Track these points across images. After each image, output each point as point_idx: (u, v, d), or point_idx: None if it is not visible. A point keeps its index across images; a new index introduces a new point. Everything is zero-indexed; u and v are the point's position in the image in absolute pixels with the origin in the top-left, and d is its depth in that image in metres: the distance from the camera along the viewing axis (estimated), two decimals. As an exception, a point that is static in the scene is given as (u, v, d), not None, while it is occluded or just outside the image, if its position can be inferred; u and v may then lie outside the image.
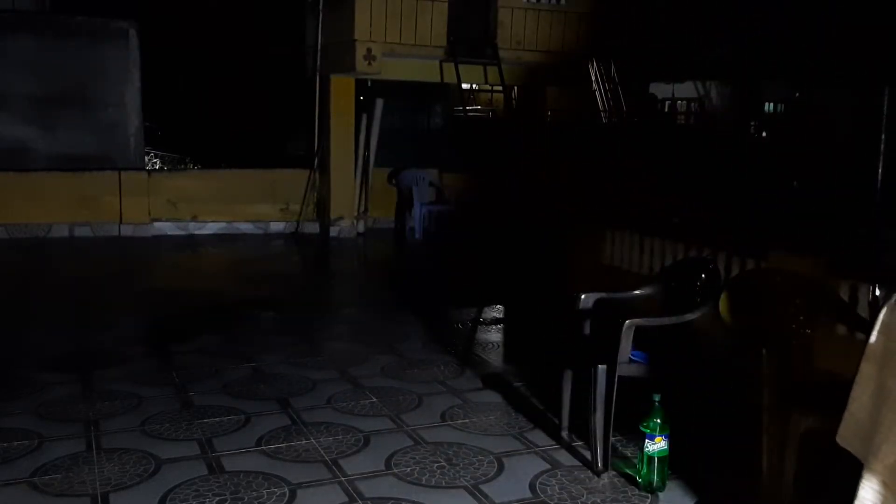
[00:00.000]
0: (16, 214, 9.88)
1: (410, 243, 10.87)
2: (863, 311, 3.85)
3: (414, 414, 4.26)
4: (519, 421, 4.19)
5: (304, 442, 3.85)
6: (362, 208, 11.37)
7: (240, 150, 13.28)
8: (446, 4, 10.78)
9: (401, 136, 11.84)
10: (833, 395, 2.50)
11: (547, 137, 12.01)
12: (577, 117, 12.28)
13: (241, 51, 13.49)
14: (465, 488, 3.39)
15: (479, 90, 13.89)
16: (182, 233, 10.68)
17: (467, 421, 4.18)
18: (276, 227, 11.19)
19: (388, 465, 3.60)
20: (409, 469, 3.56)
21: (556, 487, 3.42)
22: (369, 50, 10.20)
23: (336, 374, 4.93)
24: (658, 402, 3.32)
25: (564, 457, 3.74)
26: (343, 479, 3.46)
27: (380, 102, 11.14)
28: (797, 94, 13.48)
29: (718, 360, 4.02)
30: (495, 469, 3.59)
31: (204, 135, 15.09)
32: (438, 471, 3.55)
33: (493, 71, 11.04)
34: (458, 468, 3.58)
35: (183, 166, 14.96)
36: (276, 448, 3.77)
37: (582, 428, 3.78)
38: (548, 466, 3.63)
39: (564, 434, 3.94)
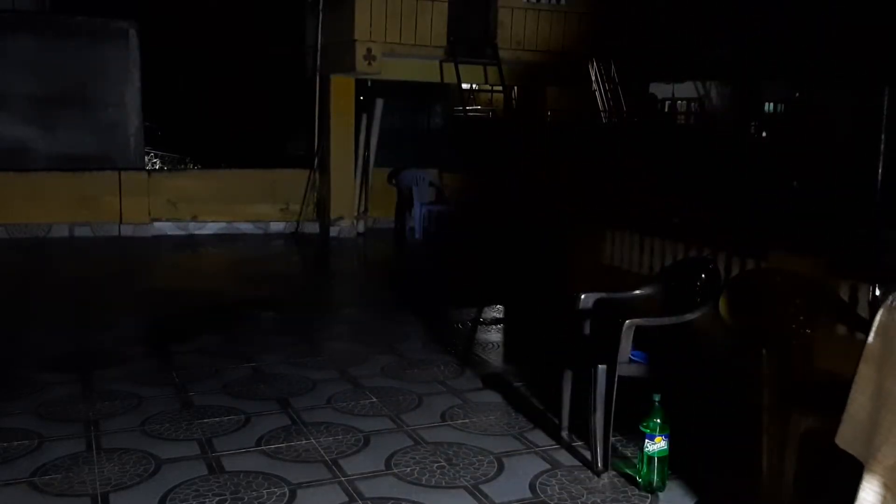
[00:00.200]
0: (16, 214, 9.88)
1: (410, 243, 10.87)
2: (863, 311, 3.85)
3: (414, 414, 4.26)
4: (519, 421, 4.19)
5: (304, 442, 3.85)
6: (362, 208, 11.37)
7: (240, 150, 13.28)
8: (446, 4, 10.78)
9: (401, 136, 11.84)
10: (833, 395, 2.50)
11: (547, 137, 12.01)
12: (577, 117, 12.28)
13: (241, 51, 13.49)
14: (465, 488, 3.39)
15: (479, 90, 13.89)
16: (182, 233, 10.68)
17: (467, 421, 4.18)
18: (276, 227, 11.19)
19: (388, 465, 3.60)
20: (409, 469, 3.56)
21: (556, 487, 3.42)
22: (369, 50, 10.20)
23: (336, 374, 4.93)
24: (658, 402, 3.32)
25: (564, 457, 3.74)
26: (343, 479, 3.46)
27: (380, 102, 11.14)
28: (797, 94, 13.48)
29: (718, 360, 4.02)
30: (495, 469, 3.59)
31: (204, 135, 15.09)
32: (438, 471, 3.55)
33: (493, 71, 11.05)
34: (458, 468, 3.58)
35: (183, 166, 14.97)
36: (276, 448, 3.77)
37: (582, 428, 3.78)
38: (548, 466, 3.63)
39: (564, 434, 3.94)
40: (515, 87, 12.74)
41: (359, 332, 6.13)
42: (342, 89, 10.99)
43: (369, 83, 11.41)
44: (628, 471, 3.54)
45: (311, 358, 5.27)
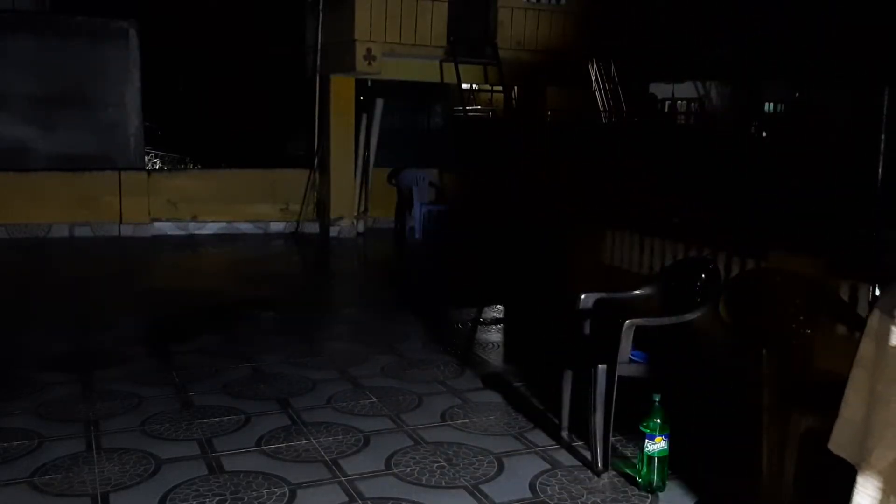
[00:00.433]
0: (16, 214, 9.88)
1: (410, 243, 10.88)
2: (863, 311, 3.85)
3: (414, 414, 4.26)
4: (519, 421, 4.19)
5: (304, 442, 3.85)
6: (362, 208, 11.37)
7: (240, 150, 13.28)
8: (446, 4, 10.78)
9: (401, 136, 11.85)
10: (833, 395, 2.50)
11: (547, 137, 12.01)
12: (577, 117, 12.28)
13: (241, 51, 13.49)
14: (465, 488, 3.39)
15: (479, 90, 13.88)
16: (182, 233, 10.68)
17: (467, 421, 4.18)
18: (276, 227, 11.19)
19: (388, 465, 3.60)
20: (409, 469, 3.56)
21: (556, 487, 3.42)
22: (369, 50, 10.21)
23: (336, 374, 4.93)
24: (658, 402, 3.32)
25: (564, 457, 3.74)
26: (343, 479, 3.46)
27: (380, 102, 11.14)
28: (797, 94, 13.49)
29: (718, 360, 4.02)
30: (495, 469, 3.59)
31: (204, 135, 15.09)
32: (438, 471, 3.55)
33: (493, 71, 11.05)
34: (458, 468, 3.58)
35: (183, 166, 14.96)
36: (276, 448, 3.77)
37: (582, 428, 3.78)
38: (548, 466, 3.63)
39: (564, 434, 3.94)
40: (515, 87, 12.73)
41: (359, 332, 6.13)
42: (342, 89, 10.99)
43: (369, 83, 11.41)
44: (628, 471, 3.54)
45: (311, 358, 5.27)
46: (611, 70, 12.07)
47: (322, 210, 11.24)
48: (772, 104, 14.76)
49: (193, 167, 14.57)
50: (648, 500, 3.33)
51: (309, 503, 3.26)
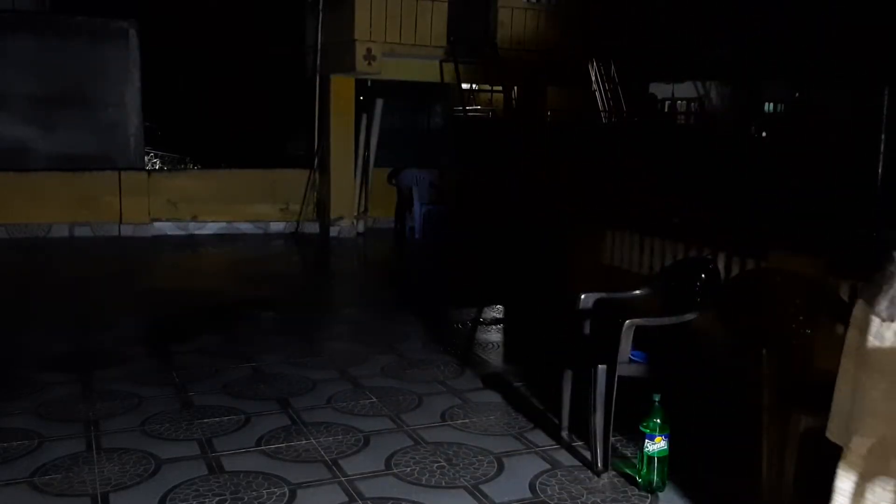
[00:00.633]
0: (16, 214, 9.89)
1: (410, 243, 10.87)
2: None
3: (414, 414, 4.26)
4: (519, 421, 4.19)
5: (304, 442, 3.85)
6: (362, 208, 11.37)
7: (240, 150, 13.28)
8: (446, 4, 10.79)
9: (401, 136, 11.85)
10: (833, 395, 2.50)
11: (547, 137, 12.01)
12: (577, 117, 12.28)
13: (241, 51, 13.49)
14: (465, 488, 3.39)
15: (479, 90, 13.88)
16: (182, 233, 10.68)
17: (467, 421, 4.18)
18: (276, 227, 11.19)
19: (388, 465, 3.60)
20: (409, 469, 3.56)
21: (556, 487, 3.42)
22: (369, 50, 10.21)
23: (336, 374, 4.93)
24: (658, 402, 3.32)
25: (564, 457, 3.74)
26: (343, 479, 3.46)
27: (380, 102, 11.14)
28: (797, 94, 13.48)
29: (718, 360, 4.02)
30: (495, 469, 3.59)
31: (204, 135, 15.08)
32: (438, 471, 3.55)
33: (493, 71, 11.04)
34: (458, 468, 3.58)
35: (183, 166, 14.96)
36: (276, 448, 3.77)
37: (582, 428, 3.78)
38: (548, 466, 3.63)
39: (564, 434, 3.94)
40: (515, 87, 12.73)
41: (359, 332, 6.13)
42: (342, 89, 10.99)
43: (369, 83, 11.41)
44: (628, 471, 3.54)
45: (311, 358, 5.27)
46: (611, 70, 12.07)
47: (322, 210, 11.24)
48: (772, 104, 14.76)
49: (193, 167, 14.56)
50: (648, 500, 3.33)
51: (309, 503, 3.26)
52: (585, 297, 3.93)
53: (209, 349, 5.43)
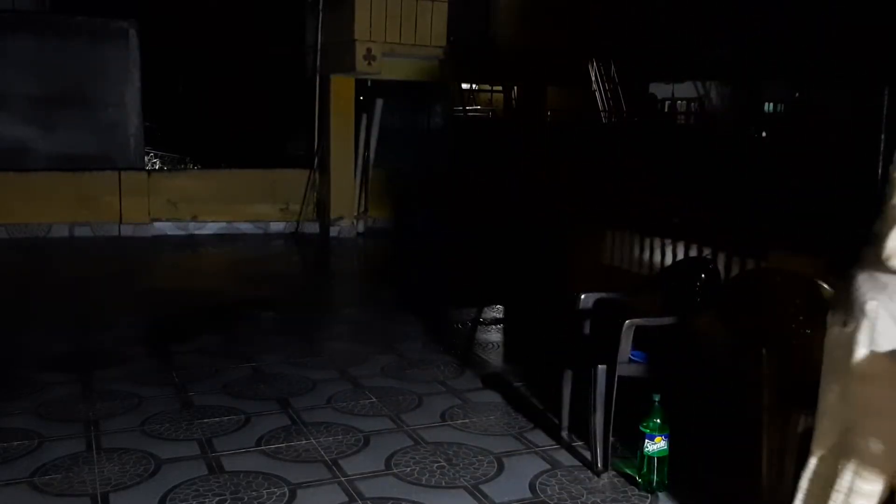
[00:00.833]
0: (16, 214, 9.88)
1: (410, 243, 10.86)
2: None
3: (414, 414, 4.26)
4: (519, 421, 4.19)
5: (304, 442, 3.85)
6: (362, 208, 11.37)
7: (240, 150, 13.27)
8: (446, 4, 10.78)
9: (401, 136, 11.84)
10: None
11: (547, 137, 12.01)
12: (577, 117, 12.28)
13: (241, 51, 13.48)
14: (465, 488, 3.39)
15: (479, 90, 13.90)
16: (182, 233, 10.67)
17: (467, 421, 4.18)
18: (276, 227, 11.18)
19: (388, 465, 3.60)
20: (409, 469, 3.56)
21: (556, 487, 3.42)
22: (369, 50, 10.20)
23: (336, 374, 4.93)
24: (658, 402, 3.32)
25: (564, 457, 3.74)
26: (343, 479, 3.46)
27: (380, 102, 11.14)
28: (797, 94, 13.49)
29: (718, 360, 4.02)
30: (495, 469, 3.59)
31: (204, 135, 15.08)
32: (438, 471, 3.55)
33: (493, 71, 11.04)
34: (458, 468, 3.58)
35: (183, 166, 14.95)
36: (276, 448, 3.77)
37: (582, 428, 3.78)
38: (548, 466, 3.63)
39: (564, 434, 3.94)
40: (515, 87, 12.74)
41: (359, 332, 6.13)
42: (342, 89, 10.98)
43: (369, 83, 11.41)
44: (628, 471, 3.54)
45: (311, 358, 5.27)
46: (611, 70, 12.07)
47: (322, 210, 11.23)
48: (772, 104, 14.76)
49: (193, 167, 14.55)
50: (648, 500, 3.33)
51: (309, 503, 3.26)
52: (585, 297, 3.93)
53: (209, 349, 5.44)
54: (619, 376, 3.46)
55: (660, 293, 3.99)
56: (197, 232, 10.75)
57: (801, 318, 3.04)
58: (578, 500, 3.31)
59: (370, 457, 3.70)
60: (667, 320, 3.67)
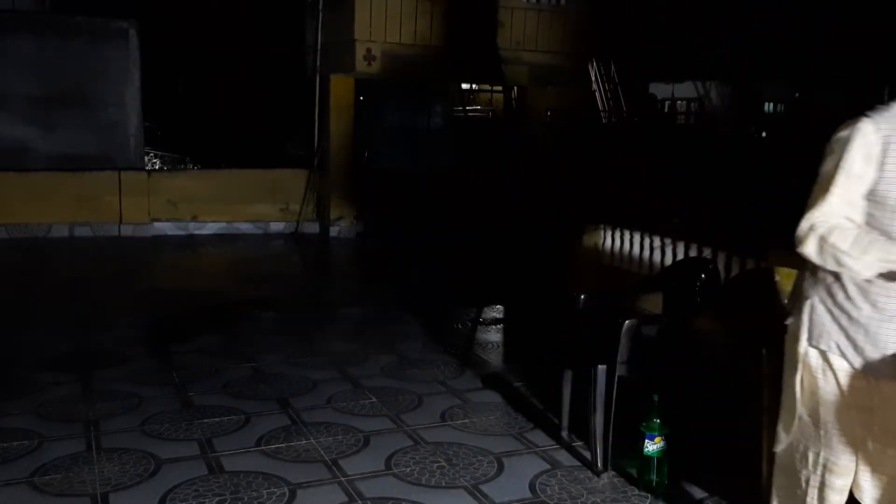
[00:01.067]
0: (16, 214, 9.88)
1: (410, 243, 10.85)
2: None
3: (414, 414, 4.26)
4: (519, 421, 4.19)
5: (304, 442, 3.85)
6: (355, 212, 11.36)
7: (240, 150, 13.28)
8: (446, 4, 10.78)
9: (401, 136, 11.84)
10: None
11: (547, 137, 12.01)
12: (577, 117, 12.28)
13: (241, 51, 13.48)
14: (465, 488, 3.39)
15: (479, 90, 13.89)
16: (182, 233, 10.67)
17: (467, 421, 4.18)
18: (276, 227, 11.18)
19: (388, 465, 3.60)
20: (409, 469, 3.56)
21: (556, 487, 3.42)
22: (369, 50, 10.20)
23: (336, 374, 4.93)
24: (658, 402, 3.32)
25: (564, 457, 3.74)
26: (343, 479, 3.46)
27: (375, 101, 11.13)
28: (797, 94, 13.49)
29: (718, 360, 4.02)
30: (495, 469, 3.59)
31: (204, 135, 15.08)
32: (438, 471, 3.55)
33: (493, 71, 11.02)
34: (458, 468, 3.58)
35: (183, 166, 14.96)
36: (276, 448, 3.77)
37: (582, 428, 3.78)
38: (548, 466, 3.63)
39: (564, 434, 3.94)
40: (515, 87, 12.74)
41: (359, 332, 6.13)
42: (342, 89, 10.98)
43: (369, 83, 11.40)
44: (628, 471, 3.54)
45: (311, 358, 5.27)
46: (611, 70, 12.07)
47: (322, 210, 11.23)
48: (772, 104, 14.77)
49: (193, 167, 14.56)
50: (648, 500, 3.33)
51: (309, 503, 3.26)
52: (585, 297, 3.93)
53: (209, 349, 5.43)
54: (619, 376, 3.46)
55: (660, 293, 3.99)
56: (197, 232, 10.75)
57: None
58: (578, 500, 3.31)
59: (370, 457, 3.70)
60: (666, 320, 3.67)
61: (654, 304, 3.98)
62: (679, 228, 6.13)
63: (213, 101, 14.80)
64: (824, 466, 2.34)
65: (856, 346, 2.27)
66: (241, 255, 9.92)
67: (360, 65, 10.21)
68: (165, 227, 10.63)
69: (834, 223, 2.26)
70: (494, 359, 5.46)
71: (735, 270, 5.14)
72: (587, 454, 3.68)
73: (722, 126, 14.10)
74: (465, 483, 3.44)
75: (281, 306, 6.98)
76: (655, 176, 9.76)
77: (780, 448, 2.49)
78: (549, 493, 3.37)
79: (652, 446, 3.32)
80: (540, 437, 3.96)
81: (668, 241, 5.92)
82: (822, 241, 2.25)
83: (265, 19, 12.85)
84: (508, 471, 3.58)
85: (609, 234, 6.73)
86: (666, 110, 15.31)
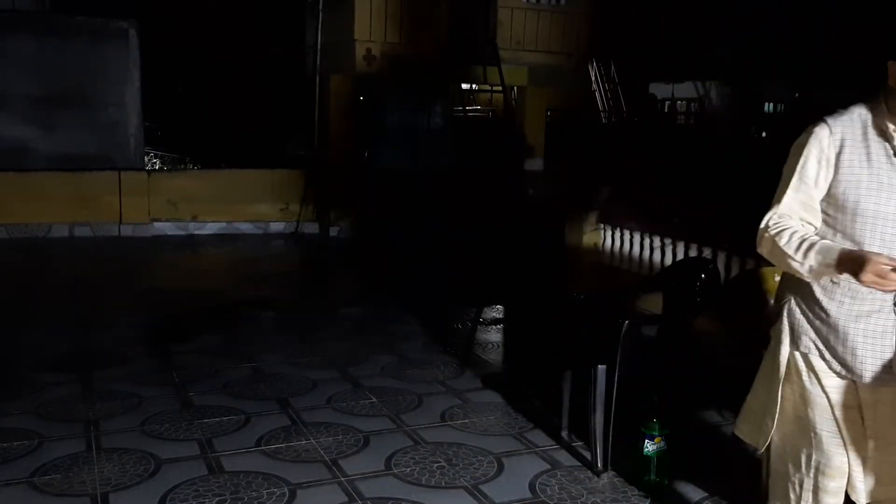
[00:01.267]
0: (16, 214, 9.88)
1: (410, 244, 10.85)
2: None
3: (414, 414, 4.26)
4: (519, 421, 4.19)
5: (304, 442, 3.85)
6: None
7: (240, 150, 13.29)
8: (446, 4, 10.78)
9: (401, 136, 11.84)
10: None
11: (547, 137, 12.01)
12: (577, 117, 12.28)
13: (241, 51, 13.50)
14: (465, 488, 3.39)
15: (479, 90, 13.89)
16: (182, 233, 10.67)
17: (467, 421, 4.18)
18: (276, 227, 11.18)
19: (388, 465, 3.60)
20: (409, 469, 3.56)
21: (556, 487, 3.42)
22: (369, 50, 10.21)
23: (336, 374, 4.93)
24: (658, 402, 3.32)
25: (564, 457, 3.74)
26: (343, 479, 3.46)
27: (375, 101, 11.13)
28: (797, 94, 13.49)
29: (718, 360, 4.02)
30: (495, 469, 3.59)
31: (204, 135, 15.09)
32: (438, 471, 3.55)
33: (492, 71, 11.04)
34: (458, 468, 3.58)
35: (183, 166, 14.96)
36: (276, 448, 3.77)
37: (582, 428, 3.78)
38: (548, 466, 3.63)
39: (564, 434, 3.93)
40: (515, 88, 12.75)
41: (359, 332, 6.13)
42: (342, 89, 10.99)
43: (369, 83, 11.41)
44: (628, 471, 3.53)
45: (311, 358, 5.26)
46: (611, 70, 12.08)
47: (322, 210, 11.23)
48: (772, 104, 14.77)
49: (193, 167, 14.57)
50: (648, 500, 3.33)
51: (309, 503, 3.26)
52: (585, 297, 3.93)
53: (209, 349, 5.43)
54: (619, 376, 3.46)
55: (660, 293, 3.99)
56: (197, 232, 10.75)
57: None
58: (578, 500, 3.31)
59: (370, 457, 3.69)
60: (666, 320, 3.67)
61: (654, 304, 3.98)
62: (679, 228, 6.14)
63: (213, 101, 14.81)
64: (816, 469, 2.34)
65: (830, 347, 2.28)
66: (241, 255, 9.92)
67: (360, 65, 10.22)
68: (165, 227, 10.63)
69: (785, 225, 2.27)
70: (494, 359, 5.46)
71: (735, 270, 5.15)
72: (587, 454, 3.68)
73: (722, 126, 14.11)
74: (465, 483, 3.44)
75: (281, 306, 6.98)
76: (655, 176, 9.76)
77: (762, 448, 2.49)
78: (549, 493, 3.37)
79: (652, 446, 3.32)
80: (540, 437, 3.96)
81: (668, 241, 5.93)
82: (774, 244, 2.27)
83: (265, 19, 12.86)
84: (508, 471, 3.58)
85: (609, 234, 6.74)
86: (666, 110, 15.32)
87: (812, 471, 2.35)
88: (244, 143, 13.66)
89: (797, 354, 2.36)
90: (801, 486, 2.37)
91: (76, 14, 10.95)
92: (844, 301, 2.25)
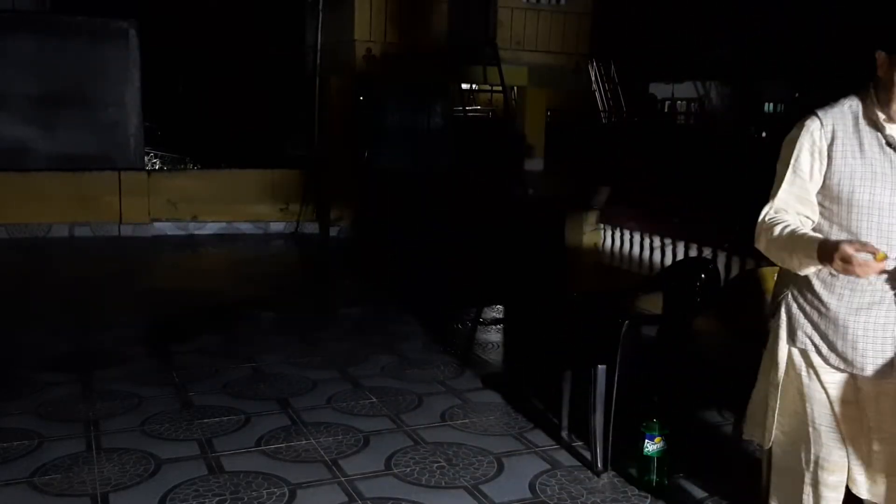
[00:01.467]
0: (16, 214, 9.88)
1: (410, 244, 10.85)
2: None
3: (414, 414, 4.26)
4: (519, 421, 4.19)
5: (304, 442, 3.85)
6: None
7: (240, 150, 13.28)
8: (446, 4, 10.78)
9: (401, 135, 11.84)
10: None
11: (547, 137, 12.01)
12: (577, 117, 12.29)
13: (241, 51, 13.49)
14: (465, 488, 3.39)
15: (479, 90, 13.89)
16: (182, 233, 10.67)
17: (467, 421, 4.18)
18: (276, 227, 11.18)
19: (388, 465, 3.60)
20: (409, 469, 3.56)
21: (556, 487, 3.42)
22: (369, 50, 10.21)
23: (336, 374, 4.92)
24: (658, 402, 3.32)
25: (564, 457, 3.74)
26: (343, 479, 3.46)
27: (375, 101, 11.13)
28: (797, 94, 13.49)
29: (718, 360, 4.02)
30: (495, 469, 3.59)
31: (204, 135, 15.09)
32: (438, 471, 3.55)
33: (492, 71, 11.04)
34: (457, 468, 3.58)
35: (183, 166, 14.96)
36: (276, 448, 3.77)
37: (582, 428, 3.78)
38: (548, 466, 3.63)
39: (564, 434, 3.93)
40: (515, 88, 12.75)
41: (359, 332, 6.13)
42: (342, 89, 10.99)
43: (369, 83, 11.41)
44: (628, 471, 3.53)
45: (311, 358, 5.26)
46: (611, 70, 12.08)
47: (322, 210, 11.23)
48: (772, 104, 14.77)
49: (193, 167, 14.56)
50: (648, 500, 3.33)
51: (309, 503, 3.26)
52: (584, 297, 3.94)
53: (209, 349, 5.43)
54: (619, 376, 3.46)
55: (660, 293, 3.99)
56: (197, 232, 10.75)
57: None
58: (578, 500, 3.31)
59: (370, 457, 3.69)
60: (666, 320, 3.67)
61: (654, 304, 3.98)
62: (679, 228, 6.14)
63: (213, 101, 14.81)
64: (816, 464, 2.34)
65: (828, 342, 2.28)
66: (241, 255, 9.92)
67: (360, 65, 10.21)
68: (165, 227, 10.63)
69: (779, 220, 2.27)
70: (494, 359, 5.46)
71: (735, 270, 5.15)
72: (587, 454, 3.68)
73: (722, 126, 14.11)
74: (465, 483, 3.44)
75: (281, 306, 6.98)
76: (655, 176, 9.77)
77: (767, 445, 2.49)
78: (549, 493, 3.37)
79: (652, 446, 3.32)
80: (540, 437, 3.96)
81: (668, 241, 5.93)
82: (769, 239, 2.27)
83: (265, 19, 12.86)
84: (508, 471, 3.58)
85: (609, 234, 6.74)
86: (666, 110, 15.32)
87: (812, 465, 2.35)
88: (244, 143, 13.66)
89: (794, 350, 2.37)
90: (801, 481, 2.38)
91: (76, 14, 10.95)
92: (844, 294, 2.25)
